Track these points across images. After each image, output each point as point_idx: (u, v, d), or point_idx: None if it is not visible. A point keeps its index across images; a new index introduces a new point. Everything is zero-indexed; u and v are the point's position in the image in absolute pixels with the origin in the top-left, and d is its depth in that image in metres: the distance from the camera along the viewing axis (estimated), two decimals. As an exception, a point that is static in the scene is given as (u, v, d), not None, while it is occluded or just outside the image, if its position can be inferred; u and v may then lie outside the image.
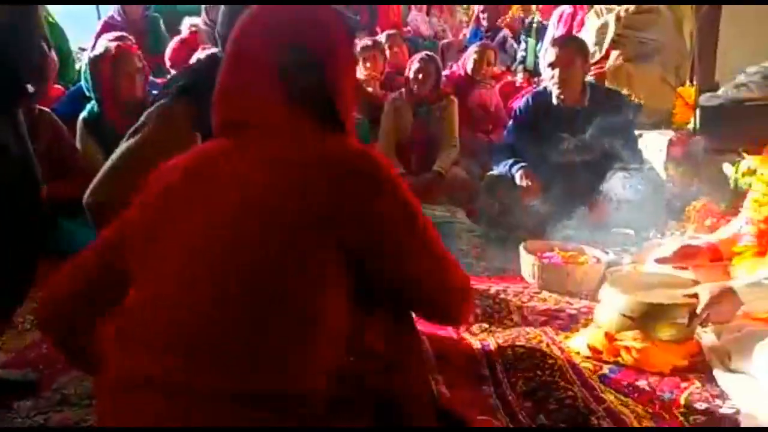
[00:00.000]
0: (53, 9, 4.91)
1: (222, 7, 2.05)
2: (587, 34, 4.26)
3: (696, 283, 2.03)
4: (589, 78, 3.67)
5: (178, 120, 1.91)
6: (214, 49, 2.38)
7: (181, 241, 1.02)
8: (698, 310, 1.86)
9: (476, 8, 6.27)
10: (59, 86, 4.12)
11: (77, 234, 3.06)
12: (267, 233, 0.99)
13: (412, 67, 4.18)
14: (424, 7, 7.01)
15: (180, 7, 6.15)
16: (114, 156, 1.93)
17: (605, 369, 1.97)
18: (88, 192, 1.90)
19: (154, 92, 3.64)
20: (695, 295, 1.90)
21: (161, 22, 5.51)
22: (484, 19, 5.97)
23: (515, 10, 5.95)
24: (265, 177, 1.02)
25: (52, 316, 1.18)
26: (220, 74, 1.16)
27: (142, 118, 1.96)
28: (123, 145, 1.94)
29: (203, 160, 1.13)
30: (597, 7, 4.42)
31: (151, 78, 3.88)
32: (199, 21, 5.37)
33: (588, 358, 2.04)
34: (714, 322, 1.91)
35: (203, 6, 5.69)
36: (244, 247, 0.98)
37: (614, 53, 4.17)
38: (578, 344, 2.10)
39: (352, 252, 1.02)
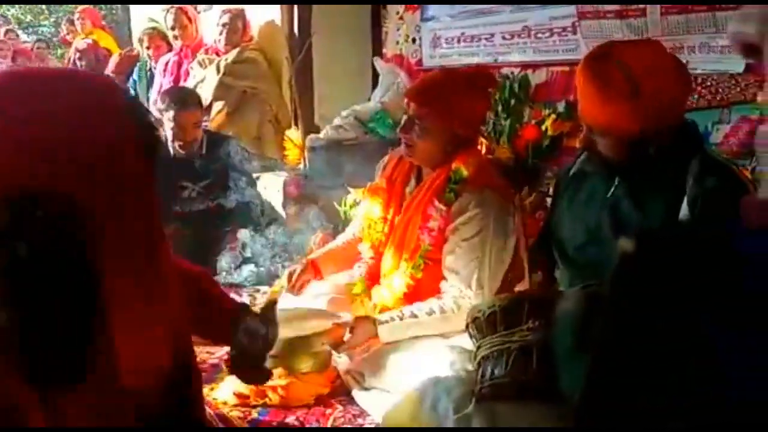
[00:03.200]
0: None
1: None
2: (192, 85, 4.30)
3: (333, 314, 2.13)
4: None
5: None
6: None
7: None
8: (346, 337, 1.96)
9: (73, 56, 5.86)
10: None
11: None
12: None
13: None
14: (10, 54, 6.32)
15: None
16: None
17: (254, 413, 1.95)
18: None
19: None
20: (341, 324, 2.00)
21: None
22: (82, 66, 5.59)
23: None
24: None
25: None
26: None
27: None
28: None
29: None
30: (200, 57, 4.50)
31: None
32: None
33: (236, 406, 1.99)
34: (355, 346, 2.02)
35: None
36: None
37: (217, 104, 4.28)
38: (224, 394, 2.03)
39: None
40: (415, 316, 1.98)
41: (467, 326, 1.57)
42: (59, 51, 7.97)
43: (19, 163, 0.62)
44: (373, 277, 2.25)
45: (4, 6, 13.06)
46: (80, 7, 6.77)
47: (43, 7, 13.42)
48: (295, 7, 4.26)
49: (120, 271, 0.71)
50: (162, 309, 0.82)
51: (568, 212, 1.81)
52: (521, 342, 1.40)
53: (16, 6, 13.41)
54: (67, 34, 6.97)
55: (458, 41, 3.77)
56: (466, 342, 1.67)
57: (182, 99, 3.31)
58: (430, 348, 1.91)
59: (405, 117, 2.11)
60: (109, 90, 0.75)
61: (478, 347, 1.51)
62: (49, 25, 12.77)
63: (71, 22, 6.86)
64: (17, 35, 7.20)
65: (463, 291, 1.97)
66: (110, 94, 0.74)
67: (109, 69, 5.44)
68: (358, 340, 2.00)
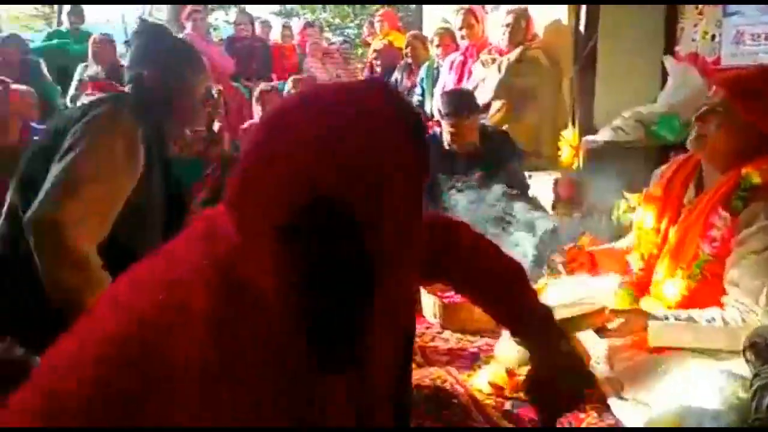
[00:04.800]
0: None
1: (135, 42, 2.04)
2: (473, 84, 4.46)
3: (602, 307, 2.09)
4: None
5: (123, 126, 1.78)
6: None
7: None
8: (611, 325, 1.92)
9: (370, 55, 6.41)
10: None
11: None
12: None
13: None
14: (320, 54, 7.11)
15: (70, 49, 5.96)
16: (56, 171, 1.70)
17: (507, 405, 2.00)
18: (33, 210, 1.65)
19: (36, 138, 3.48)
20: (603, 309, 1.96)
21: (43, 66, 5.28)
22: (377, 65, 6.11)
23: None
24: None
25: None
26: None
27: (74, 132, 1.75)
28: (65, 161, 1.71)
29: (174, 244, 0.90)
30: (483, 57, 4.64)
31: (33, 124, 3.70)
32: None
33: (490, 395, 2.06)
34: (620, 335, 1.96)
35: (90, 52, 5.51)
36: None
37: (496, 103, 4.37)
38: (481, 382, 2.12)
39: None
40: (693, 320, 1.86)
41: (744, 351, 1.45)
42: (359, 50, 8.78)
43: (314, 173, 0.75)
44: (641, 289, 2.15)
45: (316, 11, 14.76)
46: (381, 11, 7.40)
47: (349, 10, 14.89)
48: (583, 3, 4.18)
49: (389, 273, 0.80)
50: (410, 308, 0.92)
51: None
52: (808, 376, 1.25)
53: (327, 10, 15.07)
54: (368, 35, 7.66)
55: (766, 38, 3.39)
56: (742, 367, 1.53)
57: (461, 107, 3.43)
58: (700, 368, 1.77)
59: (704, 107, 1.98)
60: (386, 100, 0.84)
61: (756, 375, 1.38)
62: (353, 27, 14.12)
63: (372, 24, 7.53)
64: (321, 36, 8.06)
65: (749, 306, 1.79)
66: (387, 105, 0.83)
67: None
68: (626, 329, 1.92)
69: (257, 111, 4.76)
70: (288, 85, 5.18)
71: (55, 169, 1.71)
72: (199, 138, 3.93)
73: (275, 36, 7.65)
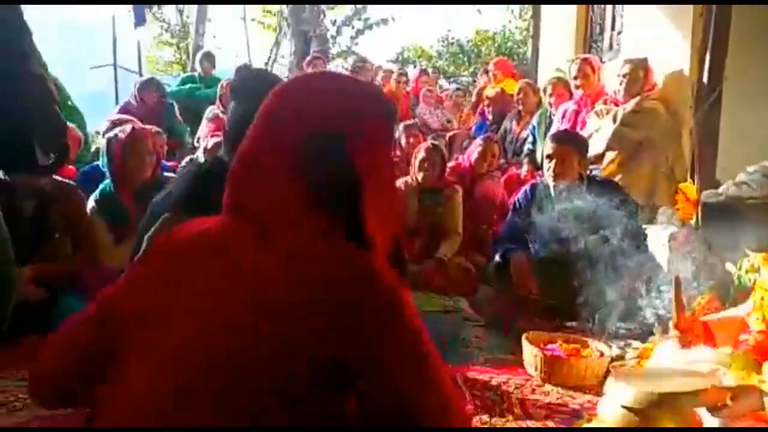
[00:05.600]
0: (72, 93, 5.11)
1: (231, 105, 2.03)
2: (587, 134, 4.37)
3: (712, 375, 1.96)
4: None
5: None
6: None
7: (180, 335, 0.98)
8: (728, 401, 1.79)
9: (483, 103, 6.45)
10: (72, 167, 4.22)
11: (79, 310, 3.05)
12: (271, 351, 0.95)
13: (418, 156, 4.27)
14: (432, 100, 7.23)
15: (199, 93, 6.41)
16: None
17: (609, 468, 1.91)
18: None
19: (167, 174, 3.75)
20: (721, 388, 1.83)
21: (176, 108, 5.70)
22: (489, 112, 6.14)
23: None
24: (277, 289, 0.98)
25: (45, 392, 1.14)
26: (239, 149, 1.09)
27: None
28: None
29: (206, 242, 1.08)
30: (598, 108, 4.54)
31: (163, 161, 4.00)
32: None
33: (590, 454, 1.97)
34: (733, 415, 1.83)
35: (218, 95, 5.89)
36: (244, 365, 0.95)
37: (610, 153, 4.26)
38: (581, 440, 2.03)
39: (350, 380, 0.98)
40: None
41: None
42: (472, 98, 8.84)
43: (310, 116, 1.07)
44: (762, 352, 2.01)
45: (432, 59, 15.04)
46: (494, 60, 7.45)
47: (464, 59, 15.11)
48: (708, 51, 4.03)
49: (370, 171, 1.07)
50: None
51: None
52: None
53: (443, 59, 15.35)
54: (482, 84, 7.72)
55: None
56: None
57: (564, 137, 3.49)
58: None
59: None
60: (367, 84, 1.22)
61: None
62: (467, 75, 14.28)
63: (486, 72, 7.59)
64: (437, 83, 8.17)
65: None
66: (367, 86, 1.18)
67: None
68: (740, 410, 1.79)
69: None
70: (399, 131, 5.26)
71: None
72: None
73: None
